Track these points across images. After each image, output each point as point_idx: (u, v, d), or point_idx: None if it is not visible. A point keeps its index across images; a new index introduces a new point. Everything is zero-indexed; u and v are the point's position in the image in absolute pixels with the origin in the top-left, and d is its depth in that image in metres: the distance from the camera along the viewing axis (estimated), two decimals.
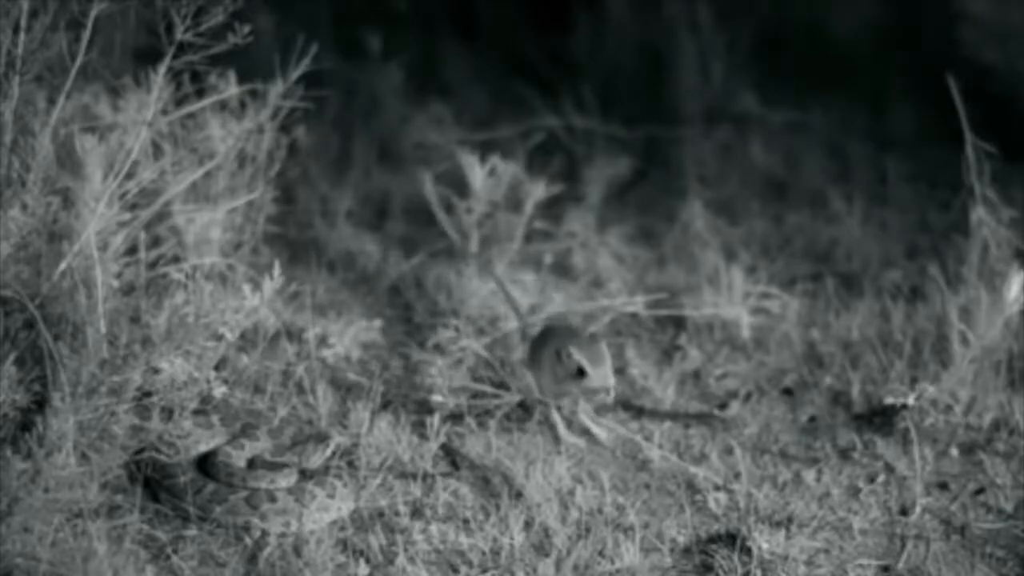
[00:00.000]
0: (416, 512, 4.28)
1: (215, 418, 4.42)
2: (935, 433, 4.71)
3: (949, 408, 4.74)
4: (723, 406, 4.87)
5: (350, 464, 4.42)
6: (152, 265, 4.75)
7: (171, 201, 4.81)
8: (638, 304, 5.29)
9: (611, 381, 4.50)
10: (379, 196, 5.88)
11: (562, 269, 5.52)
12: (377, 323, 5.12)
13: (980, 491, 4.50)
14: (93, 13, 4.26)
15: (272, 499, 4.16)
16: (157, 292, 4.42)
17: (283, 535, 4.14)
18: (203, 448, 4.36)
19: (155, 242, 4.85)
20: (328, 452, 4.39)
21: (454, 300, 5.22)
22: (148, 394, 4.20)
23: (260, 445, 4.39)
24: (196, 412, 4.33)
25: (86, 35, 4.27)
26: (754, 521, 4.28)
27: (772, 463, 4.60)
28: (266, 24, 5.60)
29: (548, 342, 4.58)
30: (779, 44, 6.64)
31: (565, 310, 5.23)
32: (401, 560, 4.07)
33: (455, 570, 4.09)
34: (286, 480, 4.26)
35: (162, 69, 4.39)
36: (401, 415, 4.62)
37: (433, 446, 4.47)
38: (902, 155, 6.16)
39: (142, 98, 4.61)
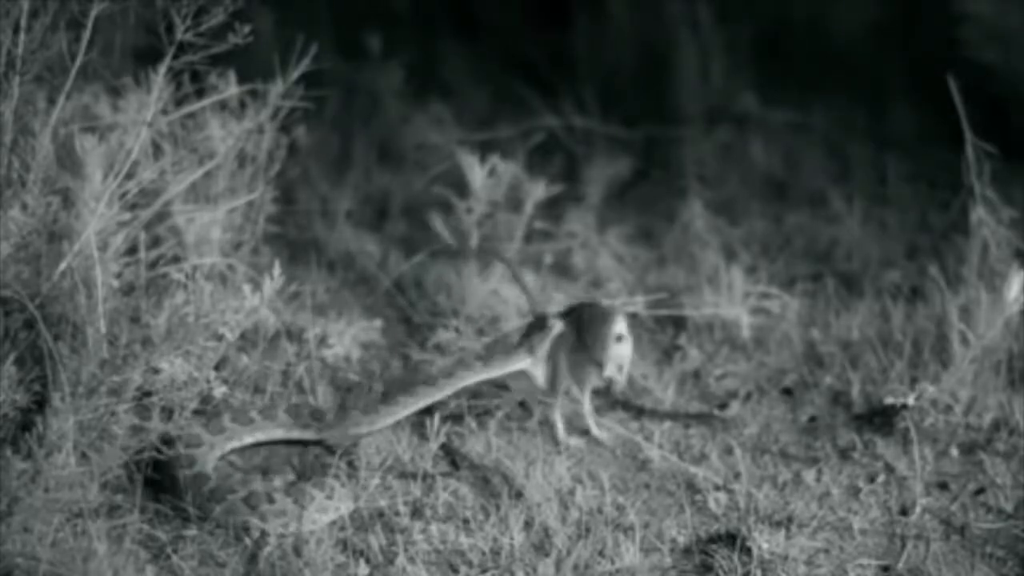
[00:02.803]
0: (416, 512, 4.28)
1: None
2: (935, 433, 4.71)
3: (949, 408, 4.74)
4: (723, 406, 4.87)
5: (350, 464, 4.42)
6: (152, 265, 4.75)
7: (171, 201, 4.81)
8: (638, 304, 5.29)
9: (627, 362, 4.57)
10: (379, 196, 5.87)
11: (562, 269, 5.51)
12: (377, 323, 5.12)
13: (980, 491, 4.50)
14: (93, 13, 4.26)
15: (271, 500, 4.16)
16: (157, 292, 4.42)
17: (283, 535, 4.14)
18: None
19: (155, 242, 4.85)
20: (553, 333, 4.50)
21: (454, 300, 5.22)
22: (148, 394, 4.20)
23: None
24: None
25: (86, 35, 4.27)
26: (754, 521, 4.28)
27: (772, 463, 4.60)
28: (266, 24, 5.60)
29: (592, 309, 4.62)
30: (779, 44, 6.64)
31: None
32: (401, 560, 4.07)
33: (455, 570, 4.09)
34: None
35: (162, 69, 4.39)
36: None
37: (433, 446, 4.47)
38: (902, 155, 6.15)
39: (142, 98, 4.62)
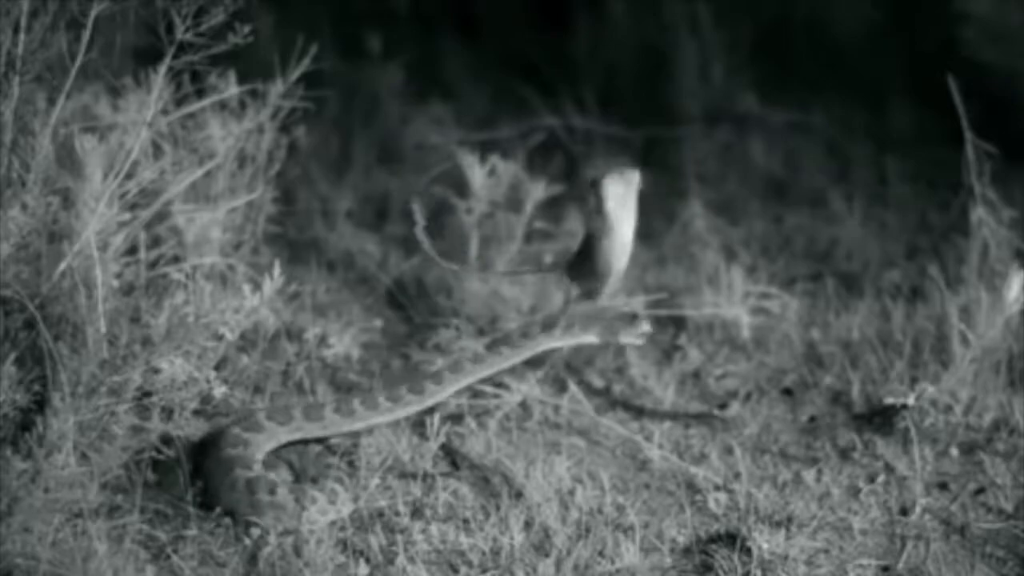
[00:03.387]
0: (416, 512, 4.28)
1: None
2: (935, 433, 4.71)
3: (949, 408, 4.74)
4: (723, 406, 4.87)
5: (350, 464, 4.42)
6: (152, 265, 4.75)
7: (171, 201, 4.81)
8: (638, 304, 5.28)
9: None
10: (379, 196, 5.87)
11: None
12: (377, 323, 5.12)
13: (980, 491, 4.50)
14: (93, 13, 4.26)
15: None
16: (157, 292, 4.42)
17: (283, 535, 4.14)
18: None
19: (155, 242, 4.85)
20: (644, 330, 4.58)
21: (454, 300, 5.22)
22: (148, 394, 4.20)
23: None
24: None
25: (86, 35, 4.27)
26: (754, 521, 4.28)
27: (772, 463, 4.60)
28: (266, 24, 5.60)
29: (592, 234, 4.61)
30: (779, 44, 6.64)
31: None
32: (401, 560, 4.07)
33: (455, 570, 4.09)
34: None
35: (162, 69, 4.39)
36: None
37: (433, 446, 4.47)
38: (902, 155, 6.16)
39: (142, 98, 4.62)
